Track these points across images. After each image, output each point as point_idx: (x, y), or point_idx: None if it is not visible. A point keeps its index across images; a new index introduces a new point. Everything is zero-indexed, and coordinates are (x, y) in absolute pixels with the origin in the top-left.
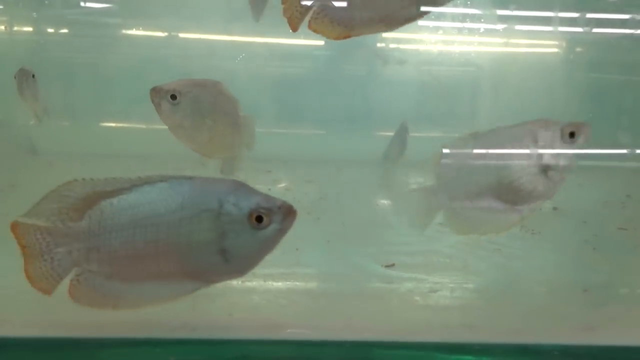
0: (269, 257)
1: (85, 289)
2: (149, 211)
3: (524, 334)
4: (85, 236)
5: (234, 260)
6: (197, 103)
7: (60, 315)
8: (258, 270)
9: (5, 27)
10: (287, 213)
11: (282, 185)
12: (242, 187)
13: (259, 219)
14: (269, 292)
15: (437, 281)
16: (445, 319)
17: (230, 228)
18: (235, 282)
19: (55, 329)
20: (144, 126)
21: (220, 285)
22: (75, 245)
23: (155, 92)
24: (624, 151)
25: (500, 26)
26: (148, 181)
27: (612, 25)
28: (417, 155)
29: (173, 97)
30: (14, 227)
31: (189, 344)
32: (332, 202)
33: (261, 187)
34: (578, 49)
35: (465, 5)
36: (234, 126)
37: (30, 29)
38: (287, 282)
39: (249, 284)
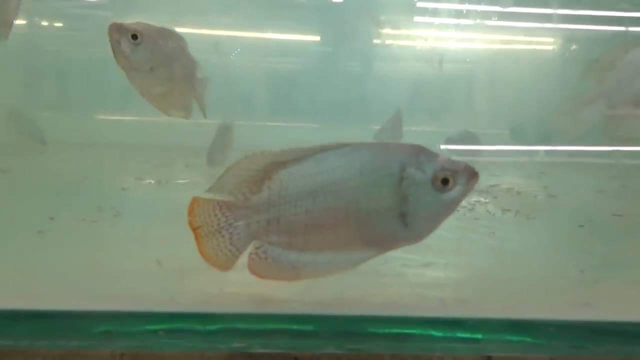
0: None
1: (265, 261)
2: (328, 178)
3: (519, 310)
4: (265, 207)
5: (415, 224)
6: (157, 50)
7: (46, 287)
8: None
9: None
10: (472, 174)
11: None
12: (422, 150)
13: (445, 181)
14: None
15: (429, 261)
16: (438, 295)
17: (413, 192)
18: None
19: (42, 301)
20: (137, 118)
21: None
22: (255, 217)
23: (116, 28)
24: (618, 148)
25: (496, 23)
26: (324, 149)
27: (606, 22)
28: None
29: (134, 37)
30: (193, 204)
31: (177, 317)
32: None
33: None
34: (573, 46)
35: (462, 2)
36: (190, 85)
37: (24, 22)
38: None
39: (241, 260)
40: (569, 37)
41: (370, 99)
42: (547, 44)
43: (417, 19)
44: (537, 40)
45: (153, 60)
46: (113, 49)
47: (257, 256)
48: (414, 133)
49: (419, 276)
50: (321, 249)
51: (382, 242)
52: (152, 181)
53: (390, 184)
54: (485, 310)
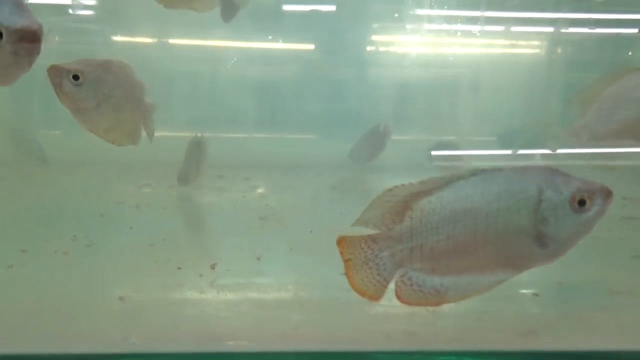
0: (228, 267)
1: (410, 288)
2: (467, 205)
3: (465, 341)
4: (407, 236)
5: (553, 245)
6: (101, 85)
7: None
8: (218, 280)
9: None
10: (607, 194)
11: (259, 191)
12: (558, 172)
13: (582, 202)
14: (222, 303)
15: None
16: (388, 327)
17: (551, 214)
18: (190, 294)
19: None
20: None
21: (176, 296)
22: (398, 246)
23: (56, 71)
24: (603, 150)
25: (481, 28)
26: (460, 176)
27: (591, 25)
28: (399, 157)
29: (75, 77)
30: (340, 241)
31: (132, 357)
32: (304, 209)
33: (237, 194)
34: (559, 50)
35: (449, 8)
36: (139, 111)
37: None
38: (244, 293)
39: (203, 295)
40: (554, 41)
41: (364, 107)
42: (534, 48)
43: (409, 26)
44: (523, 44)
45: (98, 96)
46: (55, 92)
47: (403, 283)
48: (403, 142)
49: (373, 306)
50: (462, 273)
51: (520, 264)
52: (132, 205)
53: (528, 207)
54: (431, 342)
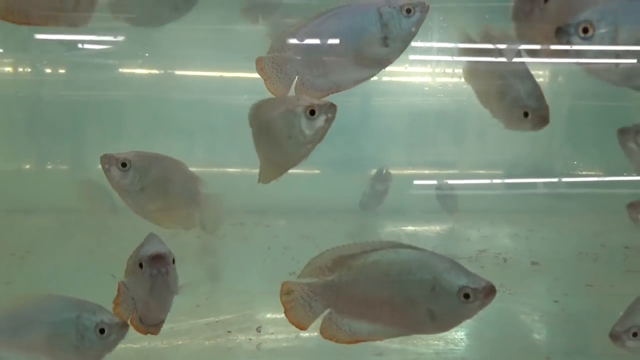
0: (272, 330)
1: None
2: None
3: None
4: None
5: (439, 321)
6: (146, 171)
7: None
8: (265, 344)
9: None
10: (489, 293)
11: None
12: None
13: (467, 296)
14: None
15: (420, 352)
16: None
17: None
18: None
19: None
20: None
21: None
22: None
23: (106, 158)
24: (605, 178)
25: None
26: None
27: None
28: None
29: (123, 164)
30: (284, 286)
31: None
32: None
33: (262, 245)
34: (560, 79)
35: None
36: (193, 202)
37: (32, 70)
38: (291, 358)
39: None
40: (556, 71)
41: (366, 139)
42: (536, 77)
43: (412, 57)
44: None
45: (142, 181)
46: (106, 175)
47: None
48: (407, 178)
49: None
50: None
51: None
52: None
53: (424, 288)
54: None
